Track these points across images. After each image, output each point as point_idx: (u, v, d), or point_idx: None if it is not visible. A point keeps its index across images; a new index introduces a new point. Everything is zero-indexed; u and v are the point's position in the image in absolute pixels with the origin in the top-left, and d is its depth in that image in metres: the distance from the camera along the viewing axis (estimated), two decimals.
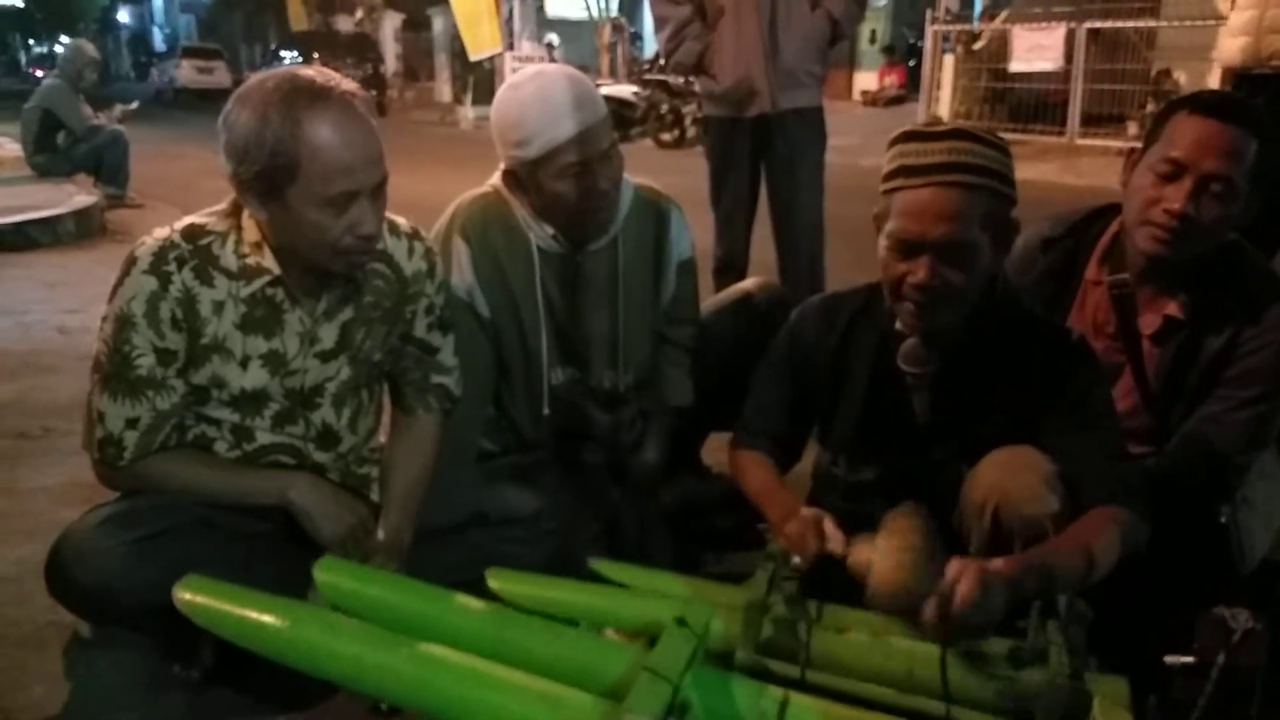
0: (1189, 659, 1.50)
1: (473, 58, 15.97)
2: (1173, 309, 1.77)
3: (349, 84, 1.54)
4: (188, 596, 1.43)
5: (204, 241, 1.59)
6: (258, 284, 1.60)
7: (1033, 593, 1.33)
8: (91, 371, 1.62)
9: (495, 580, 1.61)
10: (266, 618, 1.41)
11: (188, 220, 1.62)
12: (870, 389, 1.67)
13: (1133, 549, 1.46)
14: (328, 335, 1.69)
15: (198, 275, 1.58)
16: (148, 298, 1.55)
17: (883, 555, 1.39)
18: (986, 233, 1.49)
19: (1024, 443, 1.54)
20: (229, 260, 1.60)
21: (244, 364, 1.63)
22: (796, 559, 1.45)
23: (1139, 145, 1.81)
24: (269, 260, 1.59)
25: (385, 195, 1.58)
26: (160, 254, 1.57)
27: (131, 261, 1.57)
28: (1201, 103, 1.72)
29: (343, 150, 1.47)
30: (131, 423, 1.59)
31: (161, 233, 1.60)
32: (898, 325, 1.62)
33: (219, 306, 1.59)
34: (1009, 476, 1.49)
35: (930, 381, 1.63)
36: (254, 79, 1.52)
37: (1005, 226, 1.54)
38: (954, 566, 1.30)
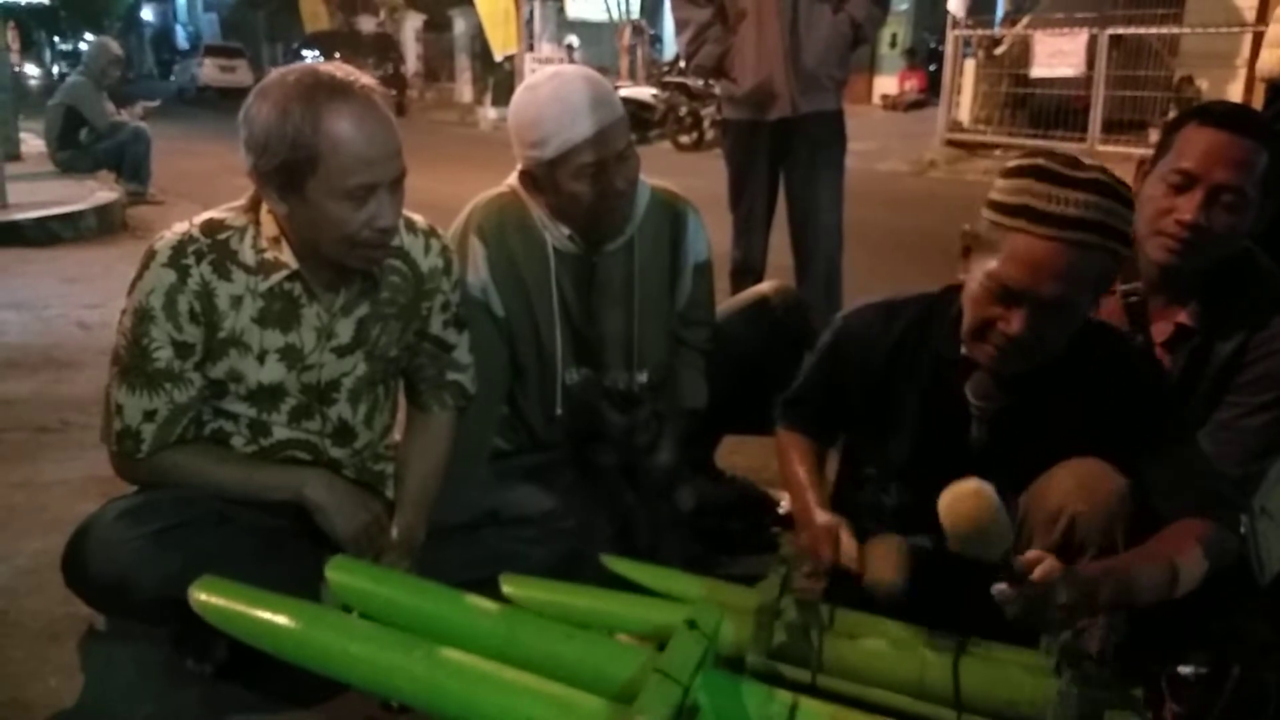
0: (1204, 669, 1.49)
1: (497, 57, 16.05)
2: (1184, 317, 1.76)
3: (368, 79, 1.55)
4: (202, 597, 1.44)
5: (222, 236, 1.61)
6: (275, 278, 1.61)
7: (1108, 601, 1.30)
8: (110, 364, 1.64)
9: (509, 585, 1.61)
10: (279, 619, 1.42)
11: (206, 215, 1.64)
12: (925, 412, 1.61)
13: (1222, 561, 1.41)
14: (344, 331, 1.70)
15: (216, 269, 1.59)
16: (166, 290, 1.57)
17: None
18: (1094, 293, 1.43)
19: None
20: (247, 255, 1.61)
21: (261, 358, 1.64)
22: (808, 567, 1.44)
23: None
24: (287, 255, 1.60)
25: (403, 190, 1.59)
26: (179, 248, 1.58)
27: (150, 255, 1.59)
28: (1211, 114, 1.72)
29: (363, 144, 1.49)
30: (149, 415, 1.60)
31: (180, 227, 1.62)
32: (963, 350, 1.53)
33: (237, 301, 1.61)
34: (1086, 489, 1.44)
35: (994, 414, 1.57)
36: (274, 74, 1.54)
37: (1105, 285, 1.46)
38: (1034, 552, 1.27)
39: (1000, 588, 1.25)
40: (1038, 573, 1.24)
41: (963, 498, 1.25)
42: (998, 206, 1.42)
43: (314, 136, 1.46)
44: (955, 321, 1.54)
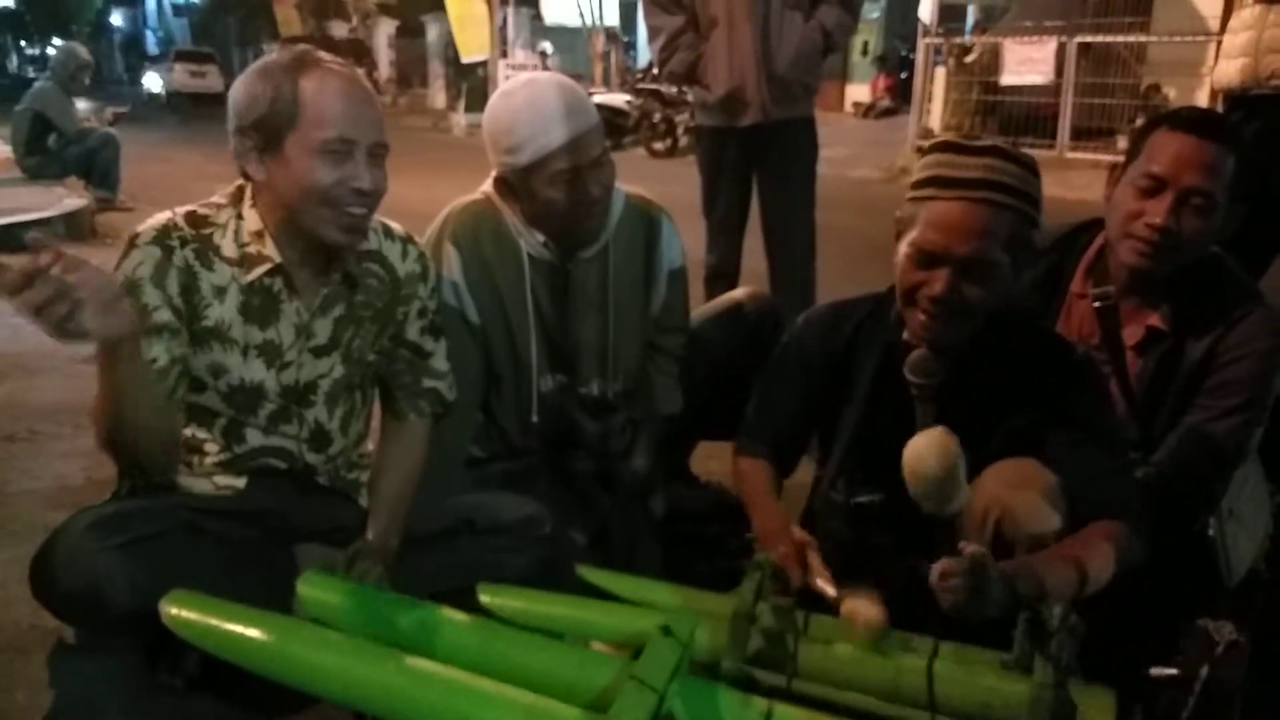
0: (1173, 670, 1.50)
1: (464, 59, 16.02)
2: (1155, 320, 1.79)
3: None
4: (173, 611, 1.43)
5: (205, 230, 1.61)
6: (257, 272, 1.61)
7: (1026, 595, 1.31)
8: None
9: (486, 595, 1.61)
10: (251, 632, 1.40)
11: (188, 208, 1.64)
12: (872, 399, 1.66)
13: (1130, 565, 1.45)
14: (322, 330, 1.69)
15: (199, 257, 1.60)
16: (155, 263, 1.56)
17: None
18: (1009, 254, 1.50)
19: (1026, 456, 1.53)
20: (229, 249, 1.61)
21: (245, 353, 1.63)
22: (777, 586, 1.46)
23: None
24: (270, 249, 1.61)
25: (384, 168, 1.61)
26: (164, 230, 1.59)
27: (133, 237, 1.58)
28: (1181, 119, 1.76)
29: (341, 99, 1.54)
30: (159, 353, 1.56)
31: (163, 215, 1.62)
32: (905, 335, 1.62)
33: (220, 291, 1.60)
34: (1012, 488, 1.48)
35: (935, 394, 1.62)
36: (264, 58, 1.60)
37: (1026, 249, 1.54)
38: (962, 543, 1.29)
39: (945, 563, 1.27)
40: (967, 550, 1.25)
41: (930, 443, 1.31)
42: (914, 185, 1.56)
43: (293, 90, 1.52)
44: (900, 312, 1.62)
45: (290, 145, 1.53)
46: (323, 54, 1.59)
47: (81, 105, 7.50)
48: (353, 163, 1.55)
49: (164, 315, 1.57)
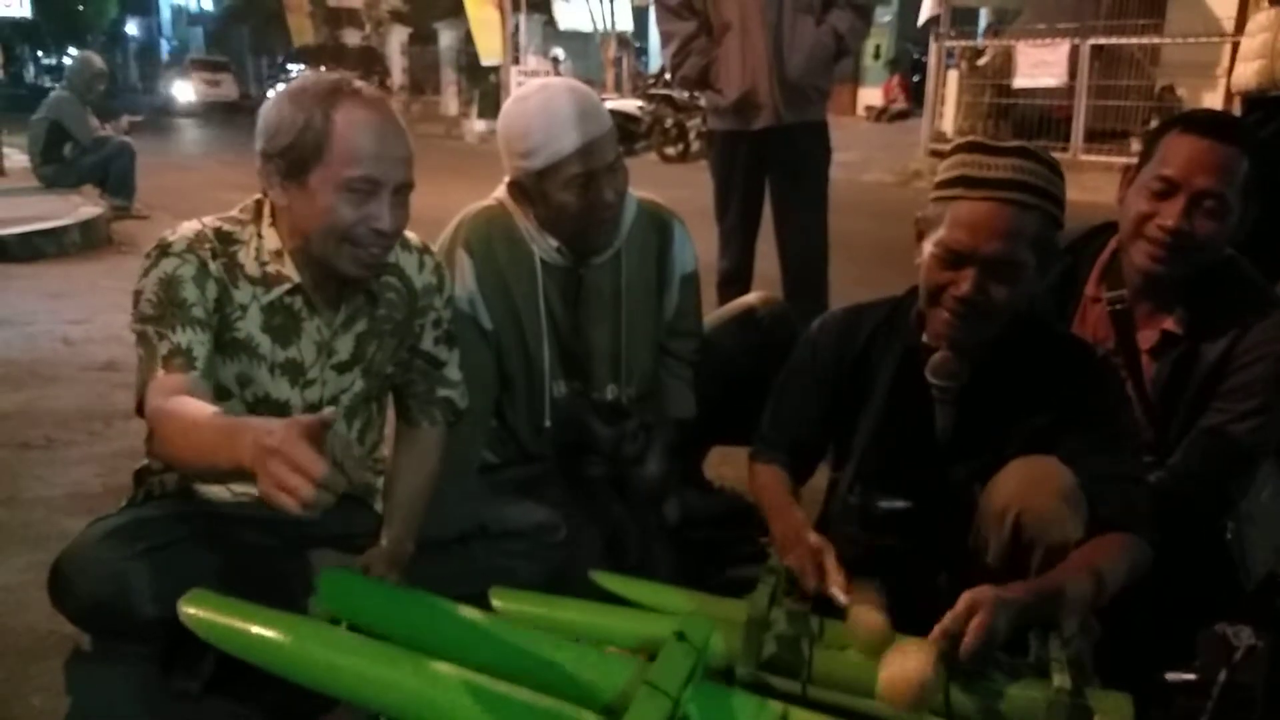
0: (1191, 676, 1.49)
1: (484, 62, 16.10)
2: (1169, 324, 1.78)
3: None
4: (191, 611, 1.43)
5: (232, 248, 1.61)
6: (277, 292, 1.61)
7: (1040, 620, 1.33)
8: (137, 343, 1.54)
9: (498, 599, 1.61)
10: (269, 632, 1.41)
11: (215, 222, 1.62)
12: (891, 402, 1.66)
13: (1139, 576, 1.45)
14: (344, 347, 1.69)
15: (227, 272, 1.59)
16: (196, 268, 1.55)
17: (893, 659, 1.38)
18: (1034, 254, 1.49)
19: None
20: (251, 267, 1.61)
21: (271, 370, 1.64)
22: (795, 594, 1.46)
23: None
24: (289, 269, 1.60)
25: (408, 205, 1.59)
26: (197, 239, 1.58)
27: (165, 245, 1.56)
28: (1193, 122, 1.75)
29: (372, 137, 1.51)
30: (199, 342, 1.54)
31: (192, 225, 1.60)
32: (925, 338, 1.61)
33: (244, 309, 1.61)
34: (1032, 486, 1.48)
35: (956, 396, 1.62)
36: (299, 79, 1.57)
37: (1050, 250, 1.54)
38: (965, 597, 1.29)
39: (936, 637, 1.29)
40: (970, 634, 1.26)
41: (899, 685, 1.30)
42: (939, 185, 1.56)
43: (325, 122, 1.48)
44: (919, 315, 1.62)
45: (315, 178, 1.50)
46: (360, 84, 1.55)
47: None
48: (376, 202, 1.52)
49: (200, 313, 1.55)
